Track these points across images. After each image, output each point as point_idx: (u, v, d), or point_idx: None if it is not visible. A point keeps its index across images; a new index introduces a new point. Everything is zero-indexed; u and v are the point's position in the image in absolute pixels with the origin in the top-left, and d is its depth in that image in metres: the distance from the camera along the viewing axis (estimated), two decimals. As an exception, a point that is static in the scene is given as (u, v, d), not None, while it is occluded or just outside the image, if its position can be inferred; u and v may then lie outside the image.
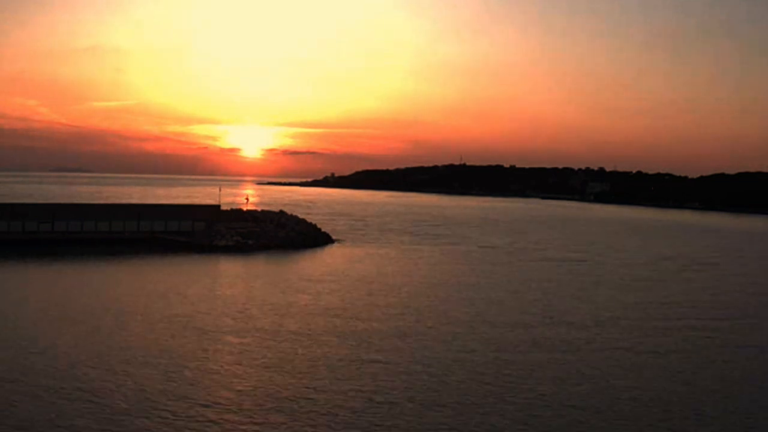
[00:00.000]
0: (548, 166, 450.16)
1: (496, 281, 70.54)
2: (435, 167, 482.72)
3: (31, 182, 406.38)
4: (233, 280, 67.96)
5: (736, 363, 41.02)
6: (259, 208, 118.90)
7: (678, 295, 65.55)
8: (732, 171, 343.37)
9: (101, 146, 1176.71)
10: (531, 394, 33.33)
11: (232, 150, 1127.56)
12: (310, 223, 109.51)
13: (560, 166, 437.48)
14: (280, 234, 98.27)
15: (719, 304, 60.94)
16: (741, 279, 79.25)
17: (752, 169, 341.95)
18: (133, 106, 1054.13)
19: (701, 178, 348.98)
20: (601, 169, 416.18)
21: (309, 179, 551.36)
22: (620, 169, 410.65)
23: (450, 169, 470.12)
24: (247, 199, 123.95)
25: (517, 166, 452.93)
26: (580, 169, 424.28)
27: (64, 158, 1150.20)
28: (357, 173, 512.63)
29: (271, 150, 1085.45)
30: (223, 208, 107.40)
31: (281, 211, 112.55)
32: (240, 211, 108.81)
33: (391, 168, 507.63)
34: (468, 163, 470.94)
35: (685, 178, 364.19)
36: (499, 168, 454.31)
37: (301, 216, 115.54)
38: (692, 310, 57.18)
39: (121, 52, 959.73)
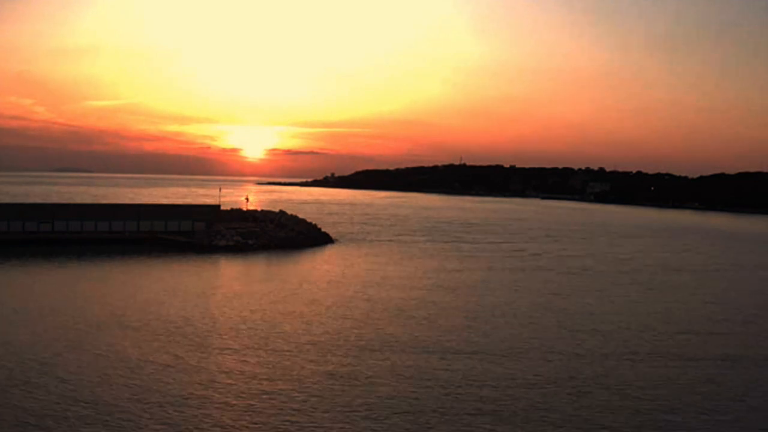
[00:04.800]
0: (548, 166, 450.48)
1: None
2: (435, 167, 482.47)
3: (30, 182, 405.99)
4: (233, 280, 67.97)
5: None
6: (259, 208, 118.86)
7: None
8: (732, 171, 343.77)
9: (99, 146, 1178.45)
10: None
11: (232, 150, 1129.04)
12: (310, 223, 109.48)
13: (560, 166, 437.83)
14: (280, 234, 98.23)
15: None
16: None
17: (752, 169, 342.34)
18: (130, 106, 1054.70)
19: (701, 178, 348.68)
20: (601, 169, 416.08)
21: (309, 179, 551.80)
22: (620, 169, 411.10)
23: (450, 169, 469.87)
24: (247, 199, 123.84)
25: (517, 166, 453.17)
26: (580, 169, 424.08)
27: (62, 158, 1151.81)
28: (357, 173, 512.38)
29: (271, 150, 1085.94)
30: (223, 208, 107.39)
31: (281, 211, 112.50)
32: (240, 211, 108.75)
33: (391, 168, 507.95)
34: (468, 163, 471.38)
35: (685, 178, 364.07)
36: (499, 168, 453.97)
37: (301, 216, 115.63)
38: None
39: (116, 51, 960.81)
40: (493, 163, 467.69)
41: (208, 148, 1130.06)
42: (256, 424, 28.76)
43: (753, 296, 67.20)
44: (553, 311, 54.64)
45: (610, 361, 40.08)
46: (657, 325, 50.60)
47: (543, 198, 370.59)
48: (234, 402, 31.18)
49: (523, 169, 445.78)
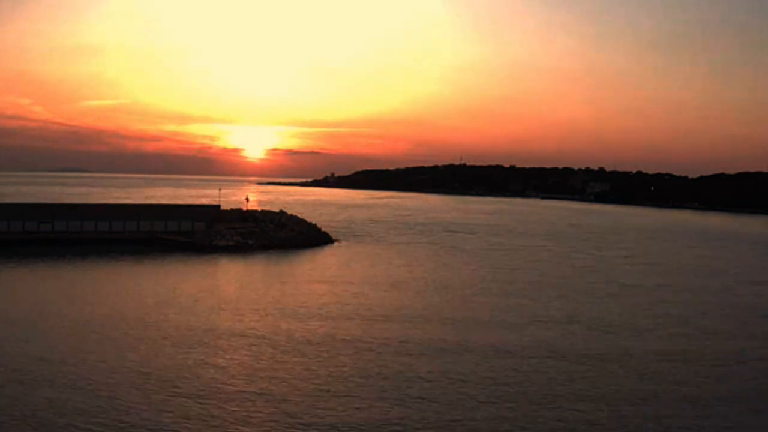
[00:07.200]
0: (548, 166, 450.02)
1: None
2: (435, 167, 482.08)
3: (29, 182, 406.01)
4: (232, 281, 68.01)
5: None
6: (259, 208, 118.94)
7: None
8: (732, 171, 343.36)
9: (98, 146, 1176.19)
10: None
11: (232, 150, 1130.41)
12: (310, 223, 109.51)
13: (560, 166, 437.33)
14: (280, 234, 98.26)
15: None
16: None
17: (752, 169, 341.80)
18: (129, 105, 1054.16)
19: (701, 178, 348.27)
20: (601, 169, 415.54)
21: (309, 179, 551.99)
22: (620, 169, 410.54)
23: (450, 169, 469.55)
24: (247, 199, 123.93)
25: (517, 166, 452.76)
26: (580, 169, 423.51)
27: (62, 158, 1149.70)
28: (357, 173, 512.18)
29: (271, 150, 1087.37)
30: (223, 208, 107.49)
31: (281, 211, 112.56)
32: (240, 211, 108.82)
33: (391, 168, 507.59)
34: (468, 163, 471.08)
35: (685, 178, 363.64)
36: (499, 168, 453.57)
37: (301, 216, 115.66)
38: None
39: (115, 51, 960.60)
40: (493, 163, 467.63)
41: (209, 148, 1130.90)
42: (254, 424, 28.84)
43: None
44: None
45: None
46: None
47: (543, 198, 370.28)
48: (231, 403, 31.23)
49: (523, 169, 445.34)
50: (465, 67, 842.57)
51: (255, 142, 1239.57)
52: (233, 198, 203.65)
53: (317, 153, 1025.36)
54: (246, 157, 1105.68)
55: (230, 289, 61.94)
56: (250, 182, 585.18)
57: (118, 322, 45.68)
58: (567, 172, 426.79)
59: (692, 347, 44.20)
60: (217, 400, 31.25)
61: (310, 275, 70.42)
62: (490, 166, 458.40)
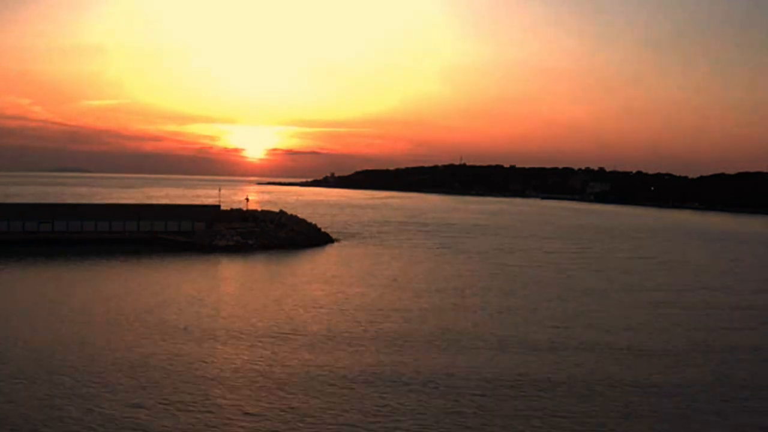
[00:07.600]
0: (548, 166, 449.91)
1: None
2: (435, 167, 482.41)
3: (29, 183, 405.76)
4: (232, 281, 67.94)
5: None
6: (259, 208, 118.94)
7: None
8: (732, 171, 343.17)
9: (98, 146, 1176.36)
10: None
11: (232, 150, 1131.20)
12: (310, 223, 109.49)
13: (560, 166, 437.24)
14: (280, 234, 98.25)
15: None
16: None
17: (752, 169, 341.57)
18: (129, 105, 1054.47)
19: (701, 178, 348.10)
20: (601, 169, 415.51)
21: (309, 179, 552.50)
22: (620, 169, 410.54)
23: (450, 169, 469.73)
24: (247, 199, 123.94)
25: (517, 166, 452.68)
26: (580, 169, 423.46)
27: (62, 158, 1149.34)
28: (357, 173, 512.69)
29: (271, 150, 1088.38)
30: (223, 208, 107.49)
31: (281, 211, 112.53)
32: (240, 211, 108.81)
33: (391, 168, 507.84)
34: (468, 163, 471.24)
35: (685, 178, 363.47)
36: (499, 168, 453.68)
37: (301, 216, 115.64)
38: None
39: (115, 51, 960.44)
40: (493, 163, 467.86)
41: (209, 148, 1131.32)
42: (252, 425, 28.85)
43: None
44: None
45: None
46: None
47: (543, 198, 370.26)
48: (229, 400, 31.23)
49: (523, 169, 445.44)
50: (465, 67, 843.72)
51: (255, 142, 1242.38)
52: (233, 198, 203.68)
53: (317, 153, 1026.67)
54: (246, 157, 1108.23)
55: (230, 289, 61.92)
56: (250, 182, 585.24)
57: (117, 323, 45.63)
58: (567, 172, 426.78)
59: (692, 348, 44.17)
60: (214, 404, 31.22)
61: (311, 275, 70.38)
62: (490, 166, 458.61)
